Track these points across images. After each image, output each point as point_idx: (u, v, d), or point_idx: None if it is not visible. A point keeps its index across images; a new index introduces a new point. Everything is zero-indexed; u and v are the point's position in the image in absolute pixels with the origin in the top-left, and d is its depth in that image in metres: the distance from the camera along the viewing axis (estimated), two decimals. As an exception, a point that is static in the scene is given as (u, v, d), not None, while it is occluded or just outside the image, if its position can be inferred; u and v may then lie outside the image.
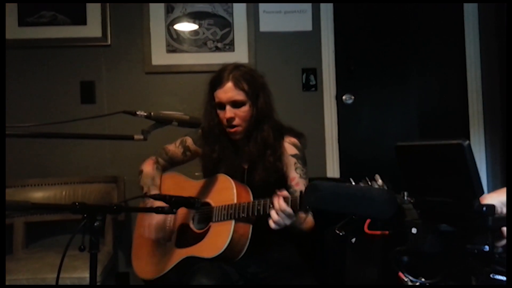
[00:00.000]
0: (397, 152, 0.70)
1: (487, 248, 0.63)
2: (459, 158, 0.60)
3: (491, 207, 0.63)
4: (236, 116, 1.69)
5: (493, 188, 2.90)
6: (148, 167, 1.89)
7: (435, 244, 0.65)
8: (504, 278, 0.62)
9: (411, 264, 0.68)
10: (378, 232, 0.77)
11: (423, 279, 0.68)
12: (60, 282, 2.02)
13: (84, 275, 2.04)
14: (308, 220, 1.64)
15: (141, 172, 1.89)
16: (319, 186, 0.72)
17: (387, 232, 0.71)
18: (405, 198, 0.70)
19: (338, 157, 2.91)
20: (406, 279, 0.69)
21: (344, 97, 2.95)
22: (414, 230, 0.66)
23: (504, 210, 0.69)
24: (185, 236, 1.75)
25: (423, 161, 0.67)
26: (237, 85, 1.67)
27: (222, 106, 1.70)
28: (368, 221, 0.80)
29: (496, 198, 0.70)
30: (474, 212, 0.62)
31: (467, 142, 0.60)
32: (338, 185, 0.76)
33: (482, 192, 0.63)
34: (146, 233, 1.77)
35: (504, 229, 0.66)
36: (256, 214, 1.55)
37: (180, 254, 1.70)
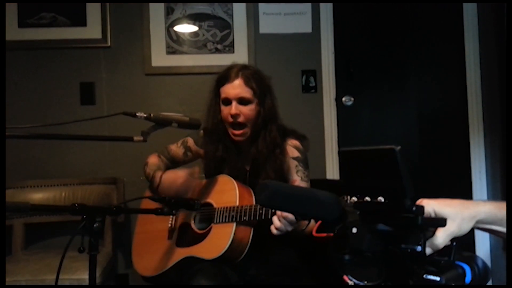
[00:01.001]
0: (341, 157, 0.76)
1: (419, 248, 0.68)
2: (391, 161, 0.68)
3: (420, 208, 0.69)
4: (241, 113, 1.68)
5: (492, 189, 2.90)
6: (153, 159, 1.92)
7: (373, 243, 0.70)
8: (436, 278, 0.66)
9: (353, 264, 0.72)
10: (324, 235, 0.80)
11: (365, 282, 0.71)
12: (60, 283, 2.01)
13: (83, 277, 2.04)
14: (310, 224, 1.64)
15: (146, 163, 1.90)
16: (268, 184, 0.75)
17: (332, 234, 0.74)
18: (348, 201, 0.74)
19: (338, 158, 2.91)
20: (350, 282, 0.71)
21: (343, 99, 2.95)
22: (354, 230, 0.71)
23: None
24: (186, 235, 1.75)
25: (363, 164, 0.74)
26: (246, 82, 1.67)
27: (228, 101, 1.69)
28: (316, 225, 0.83)
29: (430, 205, 0.74)
30: (405, 211, 0.68)
31: (398, 147, 0.67)
32: (287, 185, 0.80)
33: (413, 193, 0.69)
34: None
35: (439, 229, 0.71)
36: (258, 218, 1.55)
37: (180, 253, 1.71)
